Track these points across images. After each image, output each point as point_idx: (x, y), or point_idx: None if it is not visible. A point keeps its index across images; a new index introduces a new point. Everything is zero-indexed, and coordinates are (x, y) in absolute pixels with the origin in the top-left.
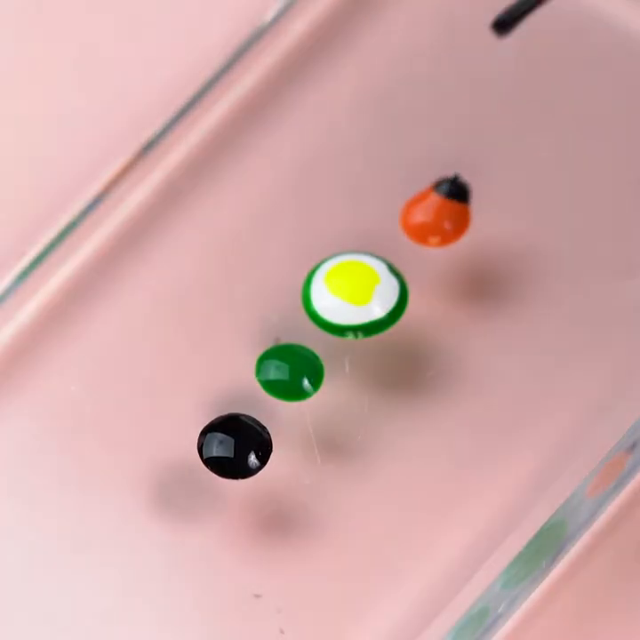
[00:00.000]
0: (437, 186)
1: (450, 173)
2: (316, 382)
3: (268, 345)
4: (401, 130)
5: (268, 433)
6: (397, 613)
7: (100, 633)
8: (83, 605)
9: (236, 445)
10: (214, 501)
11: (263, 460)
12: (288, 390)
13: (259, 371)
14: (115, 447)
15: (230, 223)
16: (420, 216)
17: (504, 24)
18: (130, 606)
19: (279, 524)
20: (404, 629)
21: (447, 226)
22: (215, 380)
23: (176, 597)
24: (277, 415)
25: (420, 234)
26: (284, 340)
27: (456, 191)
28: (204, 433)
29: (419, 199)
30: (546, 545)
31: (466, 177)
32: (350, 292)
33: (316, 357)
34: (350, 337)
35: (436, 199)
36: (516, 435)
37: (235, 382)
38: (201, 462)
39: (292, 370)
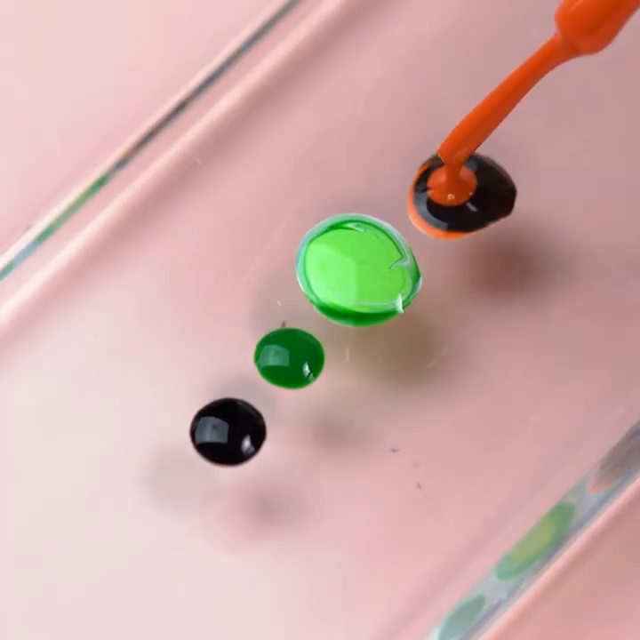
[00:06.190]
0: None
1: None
2: (316, 369)
3: (273, 329)
4: (415, 116)
5: (262, 419)
6: (391, 603)
7: (97, 620)
8: (81, 596)
9: (229, 430)
10: (208, 488)
11: (256, 445)
12: (287, 377)
13: (258, 356)
14: (111, 429)
15: (238, 205)
16: None
17: None
18: (118, 589)
19: (273, 512)
20: (396, 620)
21: None
22: (216, 364)
23: (164, 587)
24: (276, 402)
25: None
26: (288, 325)
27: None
28: (197, 417)
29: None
30: (544, 538)
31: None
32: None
33: (317, 344)
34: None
35: None
36: (517, 428)
37: (236, 367)
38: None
39: (293, 356)
